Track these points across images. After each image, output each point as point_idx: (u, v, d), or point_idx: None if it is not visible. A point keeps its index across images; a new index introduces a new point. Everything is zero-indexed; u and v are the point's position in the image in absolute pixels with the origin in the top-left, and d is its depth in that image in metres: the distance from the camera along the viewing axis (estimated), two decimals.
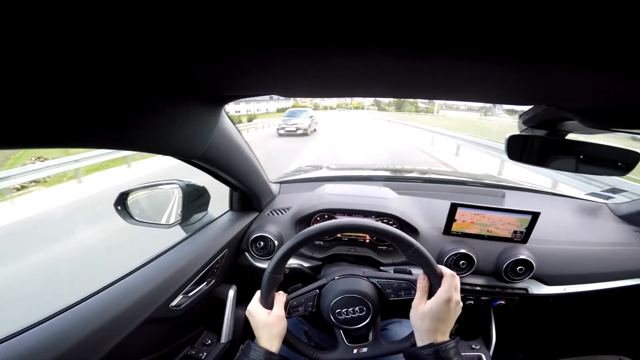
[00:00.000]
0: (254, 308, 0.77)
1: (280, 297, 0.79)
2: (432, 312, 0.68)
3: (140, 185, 1.07)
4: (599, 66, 0.32)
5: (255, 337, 0.76)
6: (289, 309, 0.80)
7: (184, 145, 0.65)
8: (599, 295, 1.21)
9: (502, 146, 0.85)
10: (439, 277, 0.71)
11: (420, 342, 0.70)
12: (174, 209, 1.13)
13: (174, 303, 0.90)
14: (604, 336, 1.57)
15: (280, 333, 0.75)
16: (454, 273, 0.72)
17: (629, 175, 0.87)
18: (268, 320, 0.74)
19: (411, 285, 0.78)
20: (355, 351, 0.82)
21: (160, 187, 1.11)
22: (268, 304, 0.77)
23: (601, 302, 1.39)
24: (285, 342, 0.78)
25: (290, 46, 0.32)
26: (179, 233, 1.10)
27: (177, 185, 1.07)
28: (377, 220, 1.19)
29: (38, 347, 0.60)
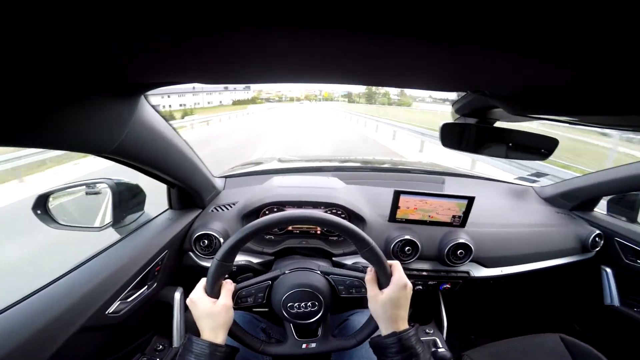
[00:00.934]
0: (198, 297, 0.72)
1: (228, 286, 0.75)
2: (392, 301, 0.71)
3: (63, 185, 0.97)
4: (516, 48, 0.33)
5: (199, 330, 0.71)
6: (237, 299, 0.77)
7: (91, 140, 0.58)
8: (533, 275, 1.31)
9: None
10: (389, 276, 0.74)
11: (384, 330, 0.72)
12: (107, 210, 1.04)
13: (111, 310, 0.83)
14: (544, 315, 1.72)
15: (226, 323, 0.71)
16: (398, 262, 0.76)
17: (551, 159, 0.95)
18: (213, 310, 0.70)
19: (362, 284, 0.80)
20: (304, 346, 0.82)
21: (86, 186, 1.01)
22: (214, 292, 0.72)
23: (535, 282, 1.52)
24: (231, 334, 0.75)
25: (218, 26, 0.29)
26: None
27: (106, 185, 0.98)
28: (326, 211, 1.19)
29: None
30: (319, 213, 0.75)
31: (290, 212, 0.76)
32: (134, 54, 0.39)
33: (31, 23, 0.28)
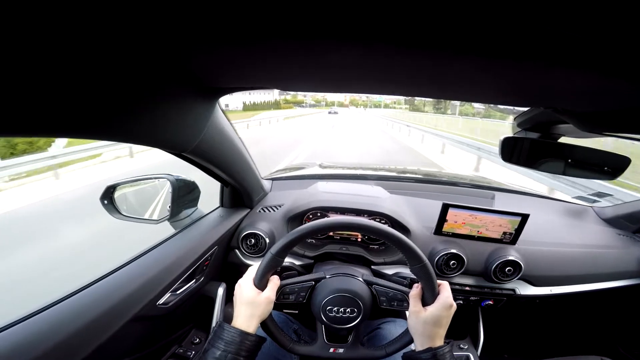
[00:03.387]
0: (245, 283, 0.74)
1: (275, 281, 0.77)
2: (434, 319, 0.71)
3: (128, 179, 1.04)
4: (598, 68, 0.32)
5: (233, 314, 0.73)
6: (280, 294, 0.79)
7: (175, 139, 0.63)
8: (584, 296, 1.24)
9: None
10: (436, 295, 0.74)
11: (420, 346, 0.72)
12: (162, 204, 1.11)
13: (161, 301, 0.88)
14: (587, 337, 1.61)
15: (262, 315, 0.73)
16: (447, 282, 0.77)
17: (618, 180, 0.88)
18: (256, 299, 0.72)
19: (405, 298, 0.79)
20: (331, 350, 0.82)
21: (149, 181, 1.08)
22: (261, 284, 0.74)
23: (585, 303, 1.42)
24: (265, 327, 0.77)
25: (291, 38, 0.31)
26: (168, 229, 1.08)
27: (167, 180, 1.05)
28: (369, 219, 1.19)
29: (23, 343, 0.58)
30: (377, 224, 0.76)
31: (349, 218, 0.78)
32: (216, 62, 0.42)
33: (134, 36, 0.32)
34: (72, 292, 0.72)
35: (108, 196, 1.01)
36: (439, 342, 0.71)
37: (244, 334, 0.68)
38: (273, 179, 1.53)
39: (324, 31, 0.28)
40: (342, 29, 0.27)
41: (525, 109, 0.72)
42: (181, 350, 1.11)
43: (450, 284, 1.15)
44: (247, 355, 0.67)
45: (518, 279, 1.17)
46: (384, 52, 0.34)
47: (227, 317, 1.17)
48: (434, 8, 0.23)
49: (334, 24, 0.27)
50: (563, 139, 0.80)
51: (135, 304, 0.79)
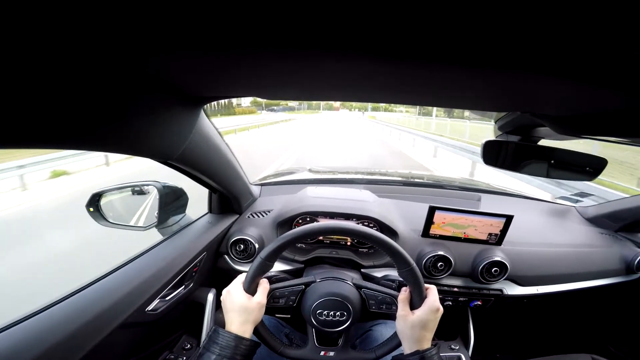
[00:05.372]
0: (236, 290, 0.74)
1: (265, 285, 0.77)
2: (422, 322, 0.72)
3: (115, 186, 1.04)
4: (570, 75, 0.33)
5: (225, 321, 0.73)
6: (270, 298, 0.79)
7: (160, 147, 0.63)
8: (570, 295, 1.26)
9: None
10: (423, 298, 0.75)
11: (408, 349, 0.73)
12: (149, 210, 1.10)
13: (150, 307, 0.87)
14: (576, 335, 1.64)
15: (256, 320, 0.74)
16: (434, 286, 0.78)
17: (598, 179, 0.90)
18: (248, 305, 0.72)
19: (394, 301, 0.80)
20: (322, 353, 0.83)
21: (135, 188, 1.08)
22: (251, 289, 0.74)
23: (572, 302, 1.45)
24: (256, 332, 0.77)
25: (274, 48, 0.32)
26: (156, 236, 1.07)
27: (154, 187, 1.04)
28: (358, 223, 1.20)
29: (7, 351, 0.57)
30: (365, 228, 0.77)
31: (338, 222, 0.79)
32: (196, 72, 0.43)
33: (113, 47, 0.32)
34: (58, 299, 0.71)
35: (94, 203, 1.00)
36: (427, 344, 0.72)
37: (238, 338, 0.68)
38: (262, 184, 1.53)
39: (306, 41, 0.29)
40: (324, 38, 0.28)
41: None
42: (172, 356, 1.10)
43: (439, 285, 1.16)
44: (242, 359, 0.68)
45: (505, 279, 1.19)
46: (367, 61, 0.34)
47: (218, 322, 1.16)
48: (417, 21, 0.23)
49: (316, 33, 0.27)
50: (545, 142, 0.82)
51: (124, 311, 0.78)
